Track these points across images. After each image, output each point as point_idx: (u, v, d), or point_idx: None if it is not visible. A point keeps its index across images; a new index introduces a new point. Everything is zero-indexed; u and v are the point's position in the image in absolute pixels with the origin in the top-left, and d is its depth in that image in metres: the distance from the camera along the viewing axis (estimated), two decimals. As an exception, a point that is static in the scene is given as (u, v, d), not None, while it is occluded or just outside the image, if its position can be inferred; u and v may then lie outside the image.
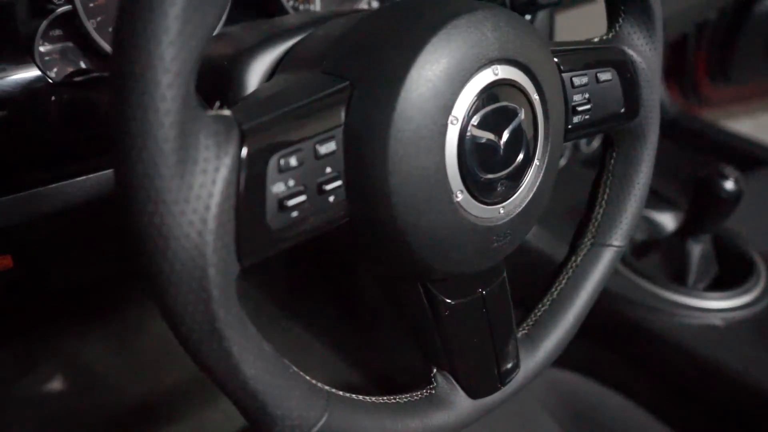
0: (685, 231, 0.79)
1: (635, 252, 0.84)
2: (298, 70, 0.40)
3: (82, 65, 0.48)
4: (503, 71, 0.36)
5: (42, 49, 0.46)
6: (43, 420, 0.98)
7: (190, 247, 0.26)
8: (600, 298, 0.81)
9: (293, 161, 0.30)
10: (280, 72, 0.42)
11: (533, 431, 0.71)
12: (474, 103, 0.35)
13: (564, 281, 0.50)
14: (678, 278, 0.79)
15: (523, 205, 0.40)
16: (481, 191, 0.37)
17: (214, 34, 0.54)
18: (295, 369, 0.34)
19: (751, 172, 1.23)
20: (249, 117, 0.29)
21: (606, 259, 0.51)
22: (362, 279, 1.05)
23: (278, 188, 0.30)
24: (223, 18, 0.54)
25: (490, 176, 0.37)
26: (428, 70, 0.33)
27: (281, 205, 0.30)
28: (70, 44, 0.48)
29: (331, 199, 0.32)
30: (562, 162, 0.85)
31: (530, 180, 0.40)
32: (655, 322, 0.75)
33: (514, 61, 0.37)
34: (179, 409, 0.99)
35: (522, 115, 0.38)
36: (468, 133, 0.35)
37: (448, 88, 0.34)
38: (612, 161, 0.51)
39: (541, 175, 0.40)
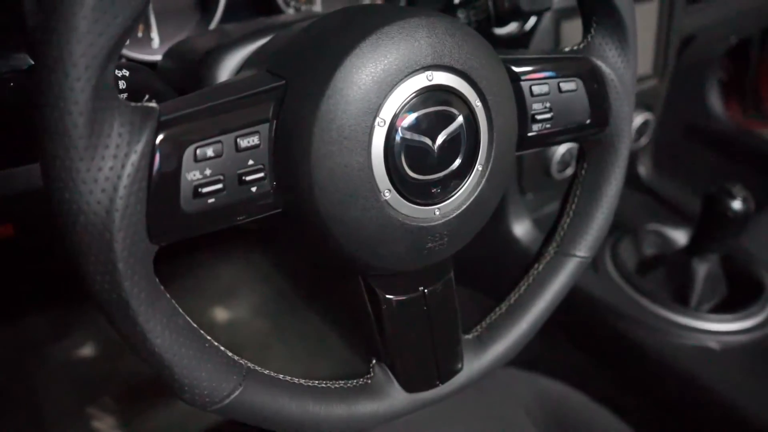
0: (691, 249, 0.77)
1: (641, 267, 0.82)
2: (253, 67, 0.42)
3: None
4: (438, 77, 0.37)
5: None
6: (73, 382, 1.05)
7: (98, 222, 0.29)
8: (598, 312, 0.80)
9: (210, 152, 0.32)
10: (244, 68, 0.45)
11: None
12: (403, 106, 0.36)
13: (523, 288, 0.51)
14: (681, 298, 0.77)
15: (463, 209, 0.41)
16: (411, 191, 0.38)
17: (211, 28, 0.58)
18: (214, 343, 0.36)
19: None
20: (172, 110, 0.32)
21: (568, 269, 0.51)
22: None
23: (193, 176, 0.32)
24: (218, 15, 0.58)
25: (422, 177, 0.38)
26: (354, 74, 0.35)
27: (196, 191, 0.32)
28: None
29: (254, 189, 0.35)
30: (569, 171, 0.84)
31: (471, 184, 0.41)
32: (649, 340, 0.74)
33: (451, 68, 0.38)
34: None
35: (461, 121, 0.39)
36: (398, 136, 0.37)
37: (374, 91, 0.35)
38: (583, 171, 0.51)
39: (485, 180, 0.41)
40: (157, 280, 0.34)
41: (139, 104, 0.31)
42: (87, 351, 1.09)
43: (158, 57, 0.55)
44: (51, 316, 1.10)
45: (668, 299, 0.77)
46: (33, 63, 0.48)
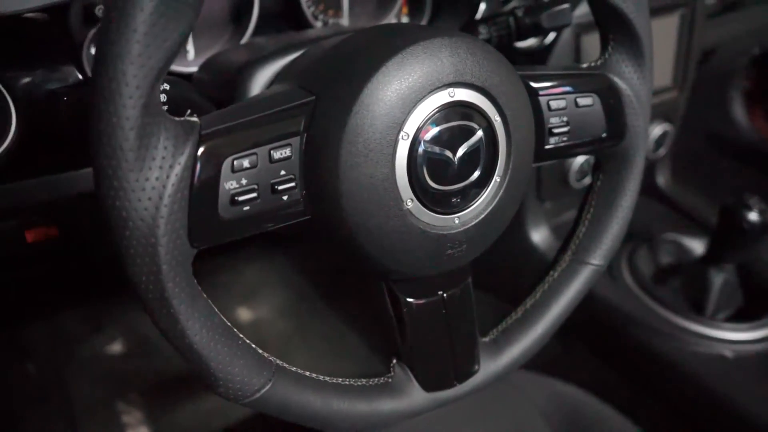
0: (708, 259, 0.78)
1: (657, 275, 0.83)
2: (285, 82, 0.45)
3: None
4: (460, 94, 0.39)
5: (92, 50, 0.54)
6: (101, 377, 1.09)
7: (144, 228, 0.32)
8: (614, 319, 0.82)
9: (246, 163, 0.35)
10: (276, 82, 0.47)
11: None
12: (426, 121, 0.39)
13: (539, 293, 0.53)
14: (697, 306, 0.78)
15: (481, 218, 0.43)
16: (433, 201, 0.40)
17: (243, 42, 0.61)
18: (246, 341, 0.39)
19: None
20: (212, 124, 0.35)
21: (583, 276, 0.53)
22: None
23: (230, 185, 0.35)
24: (251, 28, 0.60)
25: (443, 188, 0.40)
26: (380, 91, 0.37)
27: (233, 200, 0.35)
28: None
29: (285, 198, 0.37)
30: (587, 180, 0.85)
31: (489, 194, 0.43)
32: (664, 347, 0.75)
33: (472, 85, 0.40)
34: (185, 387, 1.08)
35: (480, 135, 0.41)
36: (420, 148, 0.39)
37: (399, 107, 0.37)
38: (598, 182, 0.53)
39: (502, 191, 0.43)
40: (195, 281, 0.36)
41: (182, 119, 0.34)
42: (116, 348, 1.13)
43: (193, 69, 0.57)
44: (83, 314, 1.14)
45: (684, 308, 0.79)
46: (81, 77, 0.51)
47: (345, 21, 0.67)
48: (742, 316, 0.78)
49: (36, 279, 1.01)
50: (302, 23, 0.64)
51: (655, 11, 0.78)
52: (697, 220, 1.00)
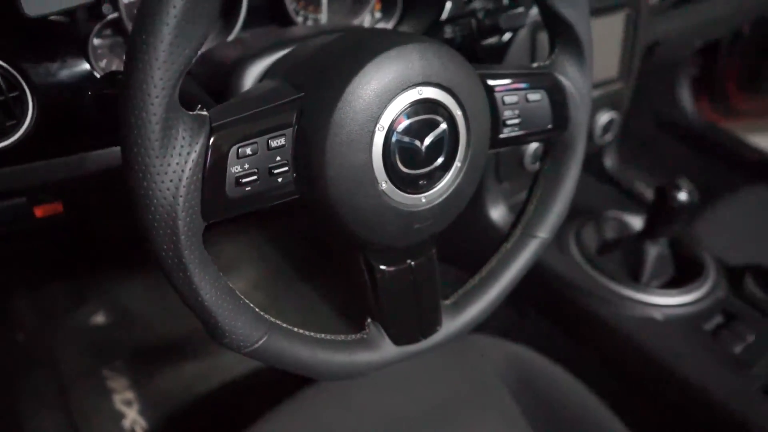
0: (644, 234, 0.87)
1: (601, 249, 0.93)
2: (275, 78, 0.51)
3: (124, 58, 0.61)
4: (427, 92, 0.46)
5: (96, 42, 0.59)
6: (87, 347, 1.15)
7: (166, 205, 0.38)
8: (562, 287, 0.90)
9: (248, 151, 0.41)
10: (266, 78, 0.54)
11: (488, 396, 0.82)
12: (399, 115, 0.45)
13: (494, 262, 0.60)
14: (634, 275, 0.87)
15: (444, 197, 0.50)
16: (403, 183, 0.47)
17: (230, 39, 0.66)
18: (246, 301, 0.46)
19: (756, 184, 1.28)
20: (220, 117, 0.41)
21: (531, 247, 0.61)
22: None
23: (236, 169, 0.41)
24: (239, 24, 0.66)
25: (412, 172, 0.47)
26: (360, 89, 0.44)
27: (237, 181, 0.41)
28: (119, 39, 0.62)
29: (280, 180, 0.44)
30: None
31: (451, 177, 0.50)
32: (604, 311, 0.85)
33: (437, 84, 0.47)
34: (201, 344, 1.15)
35: (444, 126, 0.48)
36: (393, 138, 0.46)
37: (376, 103, 0.44)
38: (545, 167, 0.61)
39: (462, 174, 0.50)
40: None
41: (194, 113, 0.40)
42: (99, 319, 1.19)
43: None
44: (67, 288, 1.19)
45: (623, 277, 0.88)
46: (88, 67, 0.56)
47: (324, 17, 0.72)
48: (672, 284, 0.88)
49: (22, 253, 1.06)
50: (285, 19, 0.70)
51: (602, 10, 0.86)
52: (637, 199, 1.09)
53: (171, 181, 0.38)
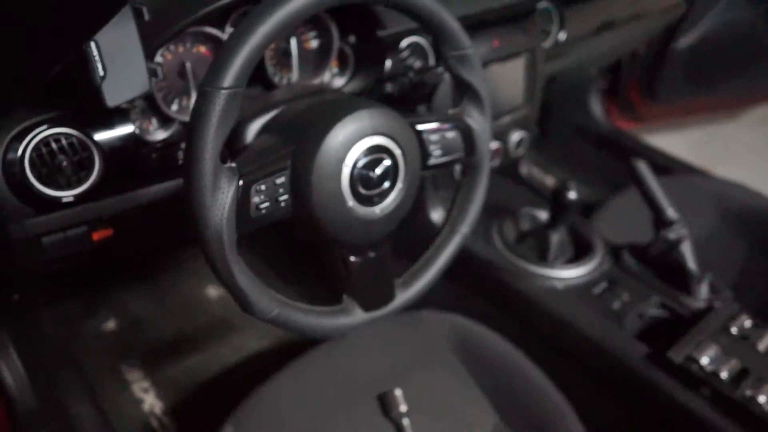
0: (548, 225, 1.12)
1: (518, 238, 1.17)
2: (272, 133, 0.74)
3: (153, 120, 0.82)
4: (376, 140, 0.69)
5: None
6: (103, 348, 1.34)
7: (216, 225, 0.60)
8: (489, 269, 1.15)
9: (263, 187, 0.64)
10: (265, 132, 0.76)
11: (437, 356, 1.05)
12: (358, 155, 0.68)
13: (430, 252, 0.84)
14: (542, 257, 1.12)
15: (392, 208, 0.73)
16: (363, 200, 0.70)
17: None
18: (265, 286, 0.68)
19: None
20: (243, 167, 0.63)
21: (456, 239, 0.84)
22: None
23: (255, 200, 0.63)
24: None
25: (369, 192, 0.70)
26: (331, 141, 0.66)
27: (256, 207, 0.63)
28: (146, 106, 0.82)
29: (282, 204, 0.66)
30: (496, 163, 1.18)
31: (396, 195, 0.73)
32: (521, 285, 1.07)
33: (382, 134, 0.70)
34: (199, 344, 1.35)
35: (388, 161, 0.71)
36: (356, 171, 0.68)
37: (342, 149, 0.66)
38: (463, 181, 0.85)
39: (403, 192, 0.74)
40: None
41: (228, 165, 0.62)
42: (111, 326, 1.38)
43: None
44: (82, 301, 1.38)
45: (534, 258, 1.11)
46: (135, 133, 0.77)
47: (295, 76, 0.95)
48: (571, 261, 1.12)
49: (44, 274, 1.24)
50: (266, 79, 0.92)
51: (507, 56, 1.10)
52: (546, 197, 1.35)
53: (218, 211, 0.60)
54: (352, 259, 0.75)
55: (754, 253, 1.35)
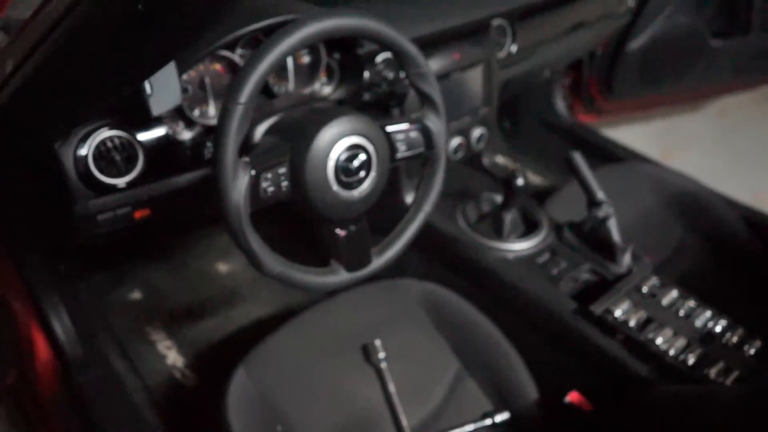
0: (502, 206, 1.34)
1: (479, 218, 1.38)
2: (275, 134, 0.94)
3: (180, 124, 1.03)
4: (354, 139, 0.89)
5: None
6: (125, 318, 1.55)
7: (236, 202, 0.81)
8: (454, 245, 1.36)
9: (269, 175, 0.84)
10: (269, 134, 0.97)
11: (411, 315, 1.26)
12: (340, 151, 0.89)
13: (400, 227, 1.05)
14: (498, 233, 1.33)
15: (367, 191, 0.93)
16: (345, 185, 0.90)
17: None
18: (272, 251, 0.89)
19: (605, 164, 1.78)
20: (254, 160, 0.84)
21: (420, 217, 1.04)
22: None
23: (264, 184, 0.84)
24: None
25: (349, 179, 0.90)
26: (320, 140, 0.86)
27: (264, 190, 0.84)
28: (174, 112, 1.03)
29: (283, 188, 0.87)
30: (460, 155, 1.39)
31: (371, 181, 0.93)
32: (480, 257, 1.28)
33: (359, 134, 0.90)
34: (212, 310, 1.57)
35: (364, 156, 0.92)
36: (338, 163, 0.89)
37: (328, 146, 0.86)
38: (425, 170, 1.06)
39: (376, 179, 0.94)
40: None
41: (243, 159, 0.83)
42: (136, 296, 1.59)
43: (214, 122, 1.05)
44: (110, 274, 1.59)
45: (492, 235, 1.31)
46: (168, 134, 0.98)
47: (291, 85, 1.15)
48: (522, 236, 1.34)
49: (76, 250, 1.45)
50: (267, 90, 1.12)
51: (467, 66, 1.31)
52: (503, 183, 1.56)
53: (237, 192, 0.81)
54: (338, 231, 0.96)
55: (686, 231, 1.58)
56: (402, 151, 0.99)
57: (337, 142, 0.86)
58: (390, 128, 0.97)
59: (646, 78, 2.14)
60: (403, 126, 0.98)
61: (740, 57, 2.19)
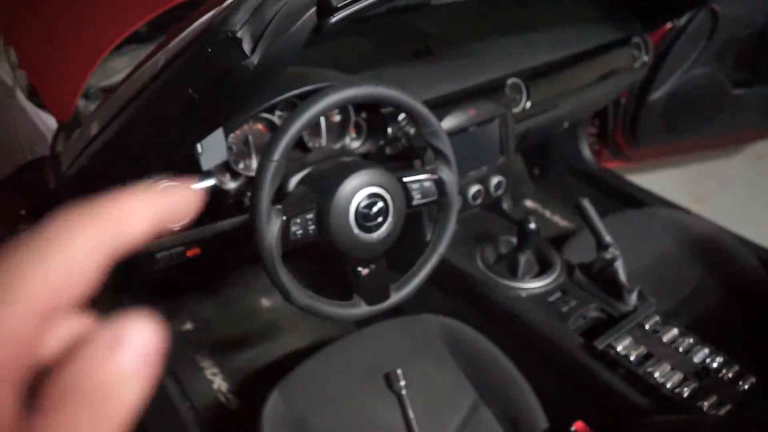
0: (516, 248, 1.44)
1: (497, 259, 1.49)
2: (306, 185, 1.09)
3: (227, 175, 1.20)
4: (373, 189, 1.02)
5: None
6: (178, 346, 1.71)
7: (269, 247, 0.95)
8: (474, 284, 1.47)
9: (298, 220, 0.99)
10: (301, 184, 1.12)
11: (432, 348, 1.37)
12: (360, 199, 1.03)
13: (415, 267, 1.17)
14: (513, 274, 1.44)
15: (385, 235, 1.06)
16: (364, 229, 1.04)
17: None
18: (300, 285, 1.03)
19: (627, 209, 1.86)
20: (285, 208, 0.99)
21: (434, 258, 1.17)
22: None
23: (294, 228, 0.98)
24: (282, 154, 1.25)
25: (368, 224, 1.04)
26: (343, 191, 1.00)
27: (294, 233, 0.99)
28: (222, 166, 1.20)
29: (311, 231, 1.01)
30: (479, 201, 1.52)
31: (388, 225, 1.06)
32: (497, 295, 1.37)
33: (377, 185, 1.04)
34: (255, 341, 1.71)
35: (381, 203, 1.05)
36: (359, 210, 1.03)
37: (349, 195, 1.01)
38: (439, 215, 1.19)
39: (393, 224, 1.07)
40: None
41: (276, 207, 0.98)
42: (188, 327, 1.75)
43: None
44: (164, 308, 1.76)
45: (507, 275, 1.43)
46: (216, 184, 1.15)
47: (323, 141, 1.31)
48: (535, 276, 1.44)
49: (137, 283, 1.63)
50: (302, 145, 1.28)
51: (483, 122, 1.45)
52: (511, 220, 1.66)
53: (270, 235, 0.96)
54: (359, 269, 1.09)
55: (705, 273, 1.63)
56: (417, 199, 1.11)
57: (358, 192, 1.00)
58: (406, 179, 1.10)
59: (670, 126, 2.21)
60: (418, 176, 1.12)
61: (766, 104, 2.25)
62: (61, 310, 0.22)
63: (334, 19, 0.65)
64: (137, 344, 0.21)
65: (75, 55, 1.17)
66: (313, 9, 0.64)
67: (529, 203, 2.35)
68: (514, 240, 1.50)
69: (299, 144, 1.28)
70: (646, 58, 1.82)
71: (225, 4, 0.64)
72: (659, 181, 2.87)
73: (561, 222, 2.22)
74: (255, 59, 0.63)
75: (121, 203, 0.25)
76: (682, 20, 2.01)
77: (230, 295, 1.83)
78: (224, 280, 1.85)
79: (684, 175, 2.98)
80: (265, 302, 1.83)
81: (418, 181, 1.11)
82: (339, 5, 0.65)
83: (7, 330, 0.20)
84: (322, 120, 1.28)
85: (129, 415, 0.21)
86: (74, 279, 0.23)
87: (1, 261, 0.21)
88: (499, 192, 1.53)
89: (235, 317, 1.78)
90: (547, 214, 2.26)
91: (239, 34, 0.62)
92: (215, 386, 1.60)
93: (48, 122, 1.30)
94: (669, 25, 2.03)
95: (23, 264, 0.21)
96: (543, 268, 1.44)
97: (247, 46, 0.62)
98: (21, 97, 1.42)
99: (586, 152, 2.25)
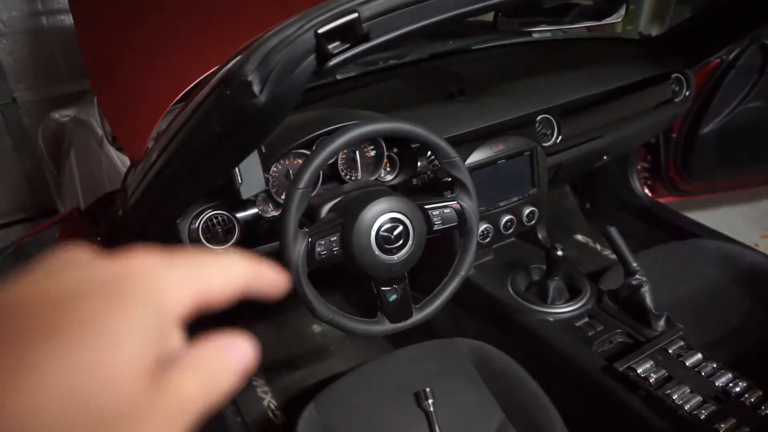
0: (546, 275, 1.48)
1: (527, 287, 1.53)
2: (334, 211, 1.21)
3: (270, 205, 1.33)
4: (393, 215, 1.13)
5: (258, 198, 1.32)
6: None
7: (296, 263, 1.07)
8: (504, 309, 1.52)
9: (322, 242, 1.10)
10: (331, 211, 1.23)
11: (462, 370, 1.42)
12: (382, 223, 1.13)
13: (437, 289, 1.25)
14: (543, 299, 1.48)
15: (405, 257, 1.16)
16: (386, 251, 1.14)
17: (314, 193, 1.38)
18: (325, 301, 1.13)
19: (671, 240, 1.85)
20: (312, 231, 1.10)
21: (456, 281, 1.24)
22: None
23: (319, 249, 1.09)
24: (319, 184, 1.37)
25: (390, 246, 1.14)
26: (365, 215, 1.11)
27: (319, 254, 1.09)
28: (266, 196, 1.34)
29: (335, 251, 1.12)
30: (511, 231, 1.58)
31: (407, 249, 1.15)
32: (527, 320, 1.41)
33: (398, 211, 1.14)
34: (304, 363, 1.82)
35: (401, 228, 1.15)
36: (380, 234, 1.13)
37: (372, 220, 1.11)
38: (460, 241, 1.26)
39: (413, 247, 1.16)
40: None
41: (303, 230, 1.09)
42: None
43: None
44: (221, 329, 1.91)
45: (537, 300, 1.47)
46: (258, 212, 1.28)
47: (360, 174, 1.42)
48: (565, 302, 1.47)
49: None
50: (338, 177, 1.40)
51: (512, 155, 1.52)
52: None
53: (296, 255, 1.07)
54: (383, 288, 1.19)
55: (754, 304, 1.60)
56: (438, 224, 1.20)
57: (379, 217, 1.10)
58: (427, 206, 1.19)
59: (725, 161, 2.18)
60: (438, 204, 1.20)
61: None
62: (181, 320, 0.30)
63: (331, 63, 0.76)
64: (241, 351, 0.30)
65: (146, 106, 1.36)
66: (313, 55, 0.76)
67: (579, 237, 2.36)
68: (545, 267, 1.54)
69: (336, 176, 1.40)
70: (687, 93, 1.83)
71: (241, 56, 0.77)
72: (727, 216, 2.79)
73: (611, 256, 2.21)
74: (263, 98, 0.75)
75: (220, 265, 0.32)
76: (730, 55, 2.01)
77: (284, 320, 1.96)
78: (279, 305, 1.98)
79: (753, 210, 2.88)
80: (316, 327, 1.94)
81: (438, 208, 1.20)
82: (335, 52, 0.76)
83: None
84: (357, 155, 1.39)
85: (221, 395, 0.29)
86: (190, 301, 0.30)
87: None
88: (532, 222, 1.58)
89: (287, 340, 1.91)
90: (598, 247, 2.26)
91: (250, 78, 0.74)
92: (265, 403, 1.71)
93: (126, 162, 1.50)
94: (717, 60, 2.03)
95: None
96: (573, 295, 1.47)
97: (256, 88, 0.75)
98: (106, 142, 1.63)
99: (636, 186, 2.25)
